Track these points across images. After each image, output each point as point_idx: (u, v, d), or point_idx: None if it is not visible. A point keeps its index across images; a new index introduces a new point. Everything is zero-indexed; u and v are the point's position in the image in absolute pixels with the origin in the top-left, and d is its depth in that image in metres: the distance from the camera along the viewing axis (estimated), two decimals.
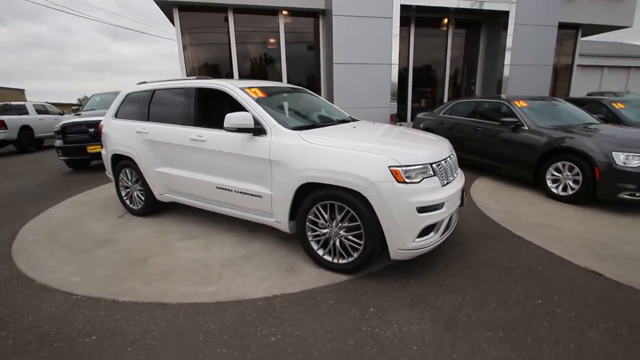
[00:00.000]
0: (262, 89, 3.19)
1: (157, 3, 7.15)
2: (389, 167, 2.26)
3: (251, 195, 2.87)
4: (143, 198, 3.83)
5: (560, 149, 4.23)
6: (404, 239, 2.29)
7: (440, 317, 2.05)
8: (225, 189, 3.02)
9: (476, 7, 8.30)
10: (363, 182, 2.27)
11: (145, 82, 3.93)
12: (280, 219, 2.78)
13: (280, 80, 8.41)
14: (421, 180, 2.30)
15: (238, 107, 2.95)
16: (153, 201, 3.77)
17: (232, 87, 3.05)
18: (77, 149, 6.34)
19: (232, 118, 2.70)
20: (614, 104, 5.85)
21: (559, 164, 4.24)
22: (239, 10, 7.73)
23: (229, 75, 8.07)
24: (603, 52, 19.75)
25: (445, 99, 9.66)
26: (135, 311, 2.16)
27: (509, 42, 8.71)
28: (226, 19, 7.75)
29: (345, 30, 7.55)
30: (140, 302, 2.26)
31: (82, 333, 1.96)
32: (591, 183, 3.86)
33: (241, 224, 3.56)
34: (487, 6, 8.37)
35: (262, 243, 3.14)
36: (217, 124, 3.08)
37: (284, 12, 8.02)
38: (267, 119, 2.78)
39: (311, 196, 2.54)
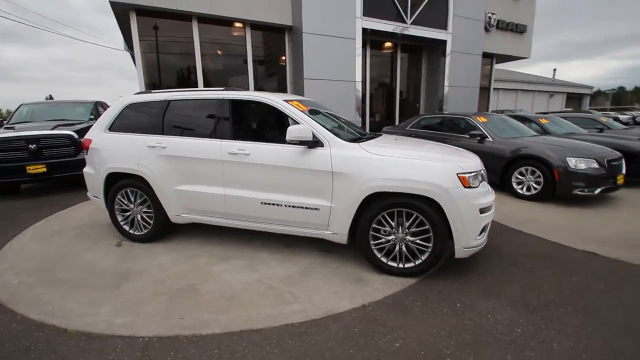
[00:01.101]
0: (300, 102, 3.19)
1: (111, 4, 6.41)
2: (457, 174, 2.51)
3: (306, 208, 2.82)
4: (151, 221, 3.38)
5: (522, 156, 5.09)
6: (469, 238, 2.55)
7: (517, 303, 2.33)
8: (274, 204, 2.91)
9: (419, 34, 9.42)
10: (436, 189, 2.47)
11: (145, 92, 3.55)
12: (338, 230, 2.80)
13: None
14: (478, 185, 2.61)
15: (280, 119, 2.91)
16: (165, 224, 3.37)
17: (277, 100, 2.99)
18: (13, 170, 5.21)
19: (294, 131, 2.66)
20: (540, 120, 7.24)
21: (522, 169, 5.10)
22: (203, 19, 7.39)
23: (194, 86, 7.58)
24: (498, 77, 24.01)
25: (397, 115, 10.61)
26: (232, 342, 1.95)
27: (447, 67, 10.07)
28: (190, 28, 7.33)
29: (314, 48, 7.81)
30: (230, 332, 2.05)
31: None
32: (551, 183, 4.74)
33: (274, 239, 3.41)
34: (429, 35, 9.57)
35: (306, 257, 3.08)
36: (259, 137, 2.96)
37: (251, 25, 7.93)
38: (323, 132, 2.80)
39: (376, 205, 2.64)
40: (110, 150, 3.39)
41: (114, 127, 3.47)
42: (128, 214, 3.46)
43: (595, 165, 4.59)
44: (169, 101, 3.31)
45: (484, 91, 12.77)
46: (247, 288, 2.56)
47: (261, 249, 3.26)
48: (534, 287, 2.53)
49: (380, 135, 3.73)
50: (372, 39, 9.52)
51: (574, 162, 4.60)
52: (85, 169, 3.68)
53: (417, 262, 2.66)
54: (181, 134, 3.22)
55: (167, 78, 7.55)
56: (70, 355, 1.87)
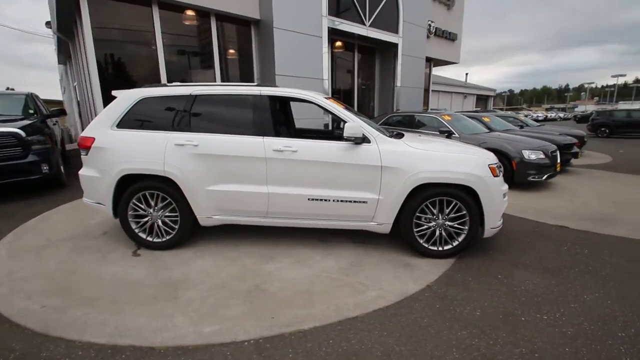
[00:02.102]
0: (335, 99, 3.29)
1: None
2: (488, 165, 2.93)
3: (354, 202, 2.97)
4: (176, 226, 3.13)
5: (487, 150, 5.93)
6: (495, 219, 3.00)
7: (539, 270, 2.84)
8: (321, 200, 2.97)
9: (376, 37, 10.05)
10: (473, 178, 2.85)
11: (158, 85, 3.24)
12: (384, 221, 3.01)
13: None
14: (499, 174, 3.08)
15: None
16: (192, 227, 3.15)
17: (319, 97, 3.04)
18: None
19: (350, 128, 2.79)
20: (483, 118, 8.42)
21: None
22: (165, 6, 6.75)
23: (155, 80, 6.89)
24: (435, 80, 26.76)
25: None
26: (340, 331, 2.03)
27: (399, 68, 10.93)
28: (150, 15, 6.63)
29: (285, 44, 7.76)
30: (330, 323, 2.11)
31: None
32: (510, 172, 5.64)
33: (303, 235, 3.46)
34: (384, 37, 10.26)
35: (346, 249, 3.22)
36: (302, 133, 2.97)
37: (216, 16, 7.51)
38: (368, 129, 2.97)
39: (420, 195, 2.92)
40: (123, 150, 3.02)
41: (124, 124, 3.09)
42: (145, 219, 3.14)
43: (542, 156, 5.62)
44: (196, 96, 3.09)
45: (424, 92, 14.15)
46: (314, 282, 2.62)
47: (296, 245, 3.29)
48: (542, 256, 3.11)
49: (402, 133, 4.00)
50: (333, 38, 9.81)
51: (527, 154, 5.56)
52: (83, 172, 3.20)
53: (455, 243, 3.02)
54: (214, 131, 3.04)
55: (124, 70, 6.74)
56: None
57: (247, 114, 3.05)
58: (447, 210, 2.96)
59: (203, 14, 7.39)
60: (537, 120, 14.77)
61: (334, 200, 2.98)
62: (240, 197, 3.03)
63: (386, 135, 3.05)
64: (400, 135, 3.29)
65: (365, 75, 11.51)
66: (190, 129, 3.04)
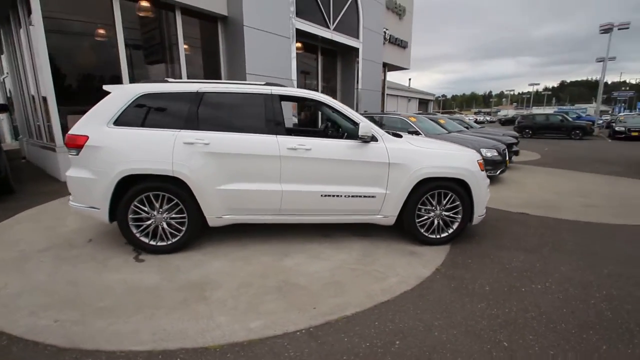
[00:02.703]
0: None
1: None
2: (477, 160, 3.33)
3: (364, 197, 3.15)
4: (183, 227, 3.01)
5: None
6: (482, 208, 3.42)
7: (520, 250, 3.30)
8: (334, 195, 3.11)
9: (340, 40, 10.41)
10: (467, 172, 3.23)
11: (158, 81, 3.08)
12: (389, 214, 3.25)
13: None
14: (484, 169, 3.51)
15: (331, 117, 3.12)
16: (199, 229, 3.06)
17: (329, 98, 3.16)
18: None
19: (364, 127, 2.97)
20: (439, 120, 9.23)
21: None
22: None
23: (116, 78, 6.34)
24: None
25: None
26: (381, 314, 2.19)
27: (360, 72, 11.43)
28: (110, 6, 6.08)
29: (255, 43, 7.68)
30: (368, 308, 2.26)
31: (393, 343, 1.89)
32: None
33: (304, 231, 3.56)
34: (347, 42, 10.66)
35: (353, 242, 3.39)
36: (313, 132, 3.08)
37: (181, 10, 7.15)
38: (376, 128, 3.17)
39: (422, 189, 3.21)
40: (123, 149, 2.83)
41: (121, 121, 2.89)
42: (148, 223, 2.96)
43: (496, 153, 6.40)
44: (203, 93, 3.00)
45: (381, 95, 14.95)
46: (336, 274, 2.74)
47: (304, 241, 3.37)
48: (517, 238, 3.61)
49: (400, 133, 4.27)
50: (298, 39, 9.92)
51: (485, 152, 6.28)
52: (73, 173, 2.92)
53: (450, 231, 3.37)
54: (223, 130, 2.99)
55: (80, 65, 6.10)
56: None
57: (258, 113, 3.06)
58: (444, 202, 3.30)
59: (167, 6, 7.00)
60: (478, 123, 16.49)
61: (345, 196, 3.13)
62: (253, 195, 3.02)
63: (390, 135, 3.30)
64: (398, 135, 3.56)
65: (328, 77, 11.81)
66: (198, 127, 2.95)
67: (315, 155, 3.03)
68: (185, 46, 7.38)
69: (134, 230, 2.96)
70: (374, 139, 3.14)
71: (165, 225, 3.00)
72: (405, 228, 3.33)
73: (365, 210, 3.23)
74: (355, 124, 3.16)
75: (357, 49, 11.21)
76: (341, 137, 3.38)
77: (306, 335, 1.98)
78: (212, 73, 8.13)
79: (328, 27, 9.86)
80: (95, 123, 2.88)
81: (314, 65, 11.06)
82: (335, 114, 3.31)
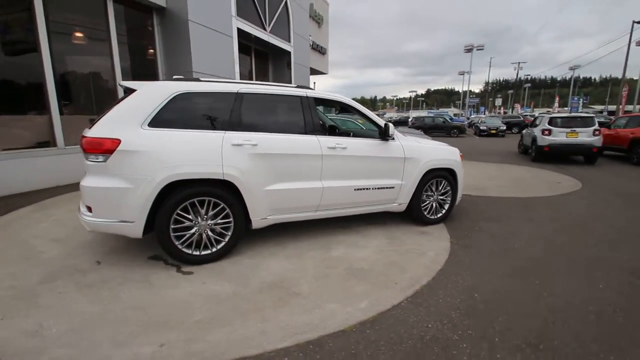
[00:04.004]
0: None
1: None
2: (459, 154, 4.16)
3: (386, 188, 3.60)
4: (228, 233, 2.89)
5: None
6: (461, 190, 4.28)
7: (494, 222, 4.28)
8: (364, 189, 3.45)
9: (275, 43, 10.54)
10: (455, 163, 4.01)
11: (189, 79, 2.86)
12: (402, 201, 3.78)
13: (114, 85, 6.40)
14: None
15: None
16: (243, 234, 2.99)
17: (355, 102, 3.48)
18: None
19: (390, 128, 3.39)
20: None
21: None
22: None
23: (36, 67, 5.11)
24: None
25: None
26: (445, 279, 2.67)
27: (293, 75, 11.76)
28: None
29: (201, 40, 7.20)
30: (432, 276, 2.71)
31: (472, 295, 2.36)
32: None
33: (323, 225, 3.79)
34: (281, 45, 10.85)
35: (370, 230, 3.79)
36: (342, 132, 3.34)
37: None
38: (392, 129, 3.64)
39: (425, 178, 3.85)
40: (166, 152, 2.57)
41: (157, 122, 2.61)
42: (192, 231, 2.75)
43: None
44: (243, 94, 2.94)
45: None
46: (384, 256, 3.10)
47: (332, 234, 3.61)
48: (481, 212, 4.61)
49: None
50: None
51: None
52: (95, 183, 2.49)
53: (443, 212, 4.09)
54: (266, 130, 2.99)
55: None
56: (372, 348, 1.99)
57: (297, 114, 3.17)
58: (440, 188, 4.01)
59: None
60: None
61: (372, 188, 3.52)
62: (297, 194, 3.12)
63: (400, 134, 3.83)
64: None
65: (260, 79, 11.74)
66: (242, 128, 2.89)
67: (350, 153, 3.32)
68: (120, 39, 6.43)
69: (176, 242, 2.70)
70: (391, 137, 3.61)
71: (209, 233, 2.83)
72: (414, 212, 3.91)
73: (386, 200, 3.68)
74: (377, 125, 3.57)
75: (288, 53, 11.51)
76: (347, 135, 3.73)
77: (411, 304, 2.32)
78: (145, 69, 7.27)
79: (265, 29, 9.88)
80: (127, 124, 2.52)
81: (248, 67, 10.88)
82: (361, 116, 3.65)
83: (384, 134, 3.50)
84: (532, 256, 3.17)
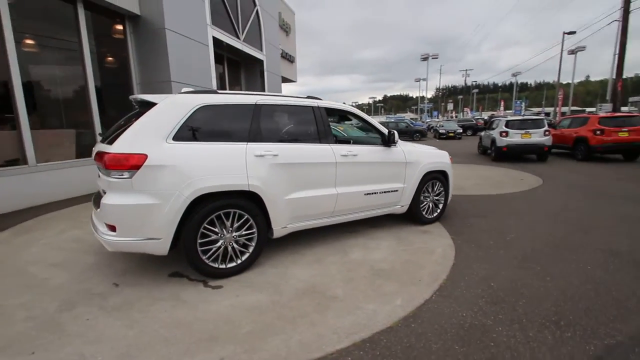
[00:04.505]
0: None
1: None
2: (449, 157, 4.51)
3: (391, 191, 3.81)
4: (252, 243, 2.90)
5: None
6: (451, 192, 4.64)
7: (481, 218, 4.67)
8: (373, 193, 3.63)
9: (248, 51, 10.50)
10: (447, 165, 4.35)
11: (206, 91, 2.86)
12: (404, 203, 4.03)
13: (88, 98, 6.01)
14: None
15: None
16: (265, 244, 3.01)
17: (362, 112, 3.65)
18: None
19: (395, 135, 3.62)
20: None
21: None
22: None
23: (7, 88, 4.67)
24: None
25: None
26: (459, 274, 2.91)
27: (266, 83, 11.76)
28: None
29: (178, 48, 7.01)
30: (449, 271, 2.95)
31: (489, 284, 2.61)
32: None
33: (334, 230, 3.92)
34: (253, 53, 10.83)
35: (377, 233, 3.98)
36: (342, 140, 3.51)
37: (84, 3, 5.84)
38: (396, 135, 3.86)
39: (423, 180, 4.13)
40: (193, 166, 2.55)
41: (181, 136, 2.58)
42: (218, 245, 2.73)
43: None
44: (261, 105, 2.98)
45: None
46: (399, 256, 3.28)
47: (345, 239, 3.74)
48: (468, 210, 5.01)
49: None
50: None
51: None
52: (121, 200, 2.39)
53: (438, 211, 4.40)
54: (283, 141, 3.06)
55: None
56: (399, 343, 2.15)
57: (311, 124, 3.27)
58: (435, 189, 4.32)
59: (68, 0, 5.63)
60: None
61: (380, 192, 3.71)
62: (314, 201, 3.21)
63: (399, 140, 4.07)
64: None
65: (232, 88, 11.59)
66: (261, 140, 2.93)
67: (360, 159, 3.49)
68: (92, 48, 6.07)
69: (203, 257, 2.67)
70: (395, 144, 3.84)
71: (234, 245, 2.82)
72: (414, 213, 4.16)
73: (391, 203, 3.89)
74: (381, 132, 3.78)
75: (261, 61, 11.51)
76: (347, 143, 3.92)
77: (440, 297, 2.51)
78: (118, 79, 6.92)
79: (238, 38, 9.82)
80: (151, 139, 2.46)
81: (220, 75, 10.70)
82: (366, 124, 3.84)
83: (388, 141, 3.72)
84: (525, 246, 3.54)
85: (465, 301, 2.46)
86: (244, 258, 2.88)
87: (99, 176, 2.83)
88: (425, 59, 27.26)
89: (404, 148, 3.94)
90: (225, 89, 10.73)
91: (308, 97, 3.45)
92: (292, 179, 3.04)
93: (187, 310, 2.34)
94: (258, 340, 2.03)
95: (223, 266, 2.78)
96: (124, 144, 2.41)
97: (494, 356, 1.88)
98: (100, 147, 2.62)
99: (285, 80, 16.26)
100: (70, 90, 6.19)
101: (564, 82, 28.75)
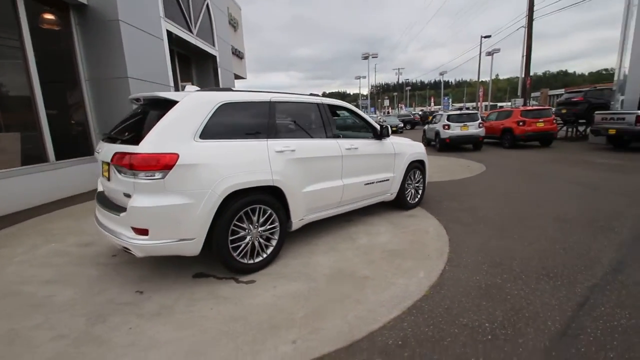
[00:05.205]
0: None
1: None
2: (424, 148, 5.02)
3: (384, 181, 4.15)
4: (275, 237, 2.97)
5: None
6: (427, 179, 5.18)
7: (453, 201, 5.28)
8: (371, 183, 3.93)
9: (201, 46, 10.03)
10: (423, 156, 4.84)
11: (224, 89, 2.84)
12: (393, 191, 4.41)
13: (32, 94, 5.25)
14: None
15: (355, 121, 3.92)
16: (285, 237, 3.11)
17: (357, 109, 3.90)
18: None
19: (388, 130, 3.94)
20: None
21: None
22: None
23: None
24: None
25: None
26: (460, 248, 3.36)
27: (220, 80, 11.34)
28: None
29: (134, 42, 6.46)
30: (448, 248, 3.37)
31: (495, 266, 3.07)
32: None
33: (334, 222, 4.14)
34: (206, 48, 10.37)
35: (371, 219, 4.30)
36: (351, 134, 3.75)
37: None
38: (389, 130, 4.19)
39: (407, 170, 4.56)
40: (222, 163, 2.54)
41: (206, 134, 2.55)
42: (246, 241, 2.76)
43: None
44: (275, 102, 3.04)
45: None
46: (403, 238, 3.63)
47: (343, 228, 3.98)
48: (439, 195, 5.61)
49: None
50: None
51: None
52: (152, 202, 2.30)
53: (418, 197, 4.89)
54: (295, 136, 3.17)
55: None
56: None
57: (318, 120, 3.42)
58: (416, 176, 4.79)
59: None
60: None
61: (376, 182, 4.02)
62: (325, 193, 3.39)
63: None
64: None
65: (184, 84, 10.95)
66: (278, 136, 3.01)
67: (360, 152, 3.75)
68: (35, 41, 5.32)
69: (234, 253, 2.68)
70: (387, 137, 4.17)
71: (259, 242, 2.87)
72: (401, 199, 4.57)
73: (383, 192, 4.23)
74: (373, 127, 4.07)
75: (213, 57, 11.08)
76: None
77: (452, 267, 2.90)
78: (67, 74, 6.17)
79: (192, 32, 9.33)
80: (179, 138, 2.39)
81: (173, 73, 10.04)
82: (360, 119, 4.08)
83: (380, 135, 4.05)
84: (497, 220, 4.17)
85: (473, 268, 2.89)
86: (268, 252, 2.94)
87: (108, 179, 2.64)
88: (366, 57, 28.83)
89: (392, 141, 4.31)
90: (178, 86, 10.14)
91: (311, 95, 3.59)
92: (307, 172, 3.17)
93: (232, 306, 2.37)
94: (317, 322, 2.17)
95: (251, 261, 2.82)
96: (152, 144, 2.32)
97: (514, 305, 2.30)
98: (117, 147, 2.46)
99: (236, 77, 15.81)
100: (10, 88, 5.36)
101: (480, 80, 32.88)
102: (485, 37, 29.40)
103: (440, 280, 2.69)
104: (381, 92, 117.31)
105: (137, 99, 2.89)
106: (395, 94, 77.44)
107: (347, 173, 3.62)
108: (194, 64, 11.24)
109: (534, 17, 19.16)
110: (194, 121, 2.51)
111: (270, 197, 2.88)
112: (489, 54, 29.19)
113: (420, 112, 36.76)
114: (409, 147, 4.56)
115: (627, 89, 10.90)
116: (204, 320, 2.21)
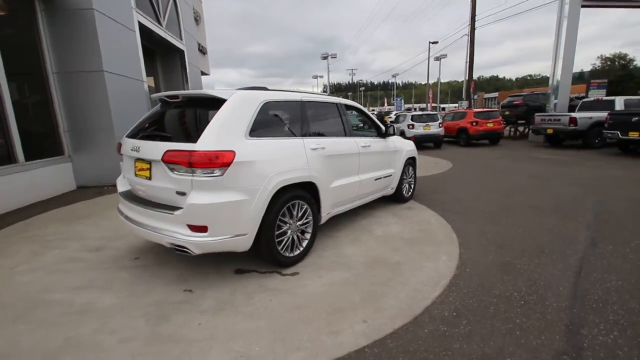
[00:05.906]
0: None
1: None
2: (414, 145, 5.47)
3: (388, 176, 4.48)
4: (310, 230, 3.12)
5: None
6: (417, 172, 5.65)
7: (444, 194, 5.80)
8: (379, 178, 4.23)
9: (170, 40, 9.53)
10: (415, 153, 5.28)
11: (259, 88, 2.91)
12: (394, 186, 4.78)
13: None
14: None
15: (362, 120, 4.19)
16: (317, 230, 3.27)
17: (365, 108, 4.14)
18: None
19: (393, 129, 4.25)
20: None
21: None
22: None
23: None
24: None
25: None
26: (467, 234, 3.80)
27: (188, 76, 10.86)
28: None
29: (109, 34, 6.00)
30: (453, 235, 3.80)
31: (499, 247, 3.53)
32: None
33: (345, 217, 4.38)
34: (175, 42, 9.87)
35: (378, 211, 4.62)
36: (359, 133, 4.03)
37: None
38: (394, 129, 4.51)
39: (403, 165, 4.96)
40: (271, 160, 2.63)
41: (254, 131, 2.62)
42: (288, 235, 2.87)
43: None
44: (305, 102, 3.18)
45: None
46: (413, 228, 3.99)
47: (357, 221, 4.24)
48: (426, 187, 6.12)
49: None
50: None
51: None
52: (213, 199, 2.33)
53: (412, 190, 5.33)
54: (322, 134, 3.33)
55: None
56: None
57: (338, 119, 3.62)
58: (409, 172, 5.21)
59: None
60: None
61: (383, 177, 4.33)
62: (347, 188, 3.61)
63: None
64: None
65: (152, 80, 10.30)
66: (310, 134, 3.15)
67: (372, 150, 4.02)
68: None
69: (278, 247, 2.79)
70: (391, 135, 4.50)
71: (297, 235, 3.00)
72: (399, 194, 4.95)
73: (386, 186, 4.57)
74: (378, 126, 4.37)
75: (181, 52, 10.58)
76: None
77: (465, 250, 3.30)
78: (33, 68, 5.55)
79: (161, 25, 8.84)
80: (234, 135, 2.44)
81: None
82: (367, 119, 4.34)
83: (385, 133, 4.36)
84: (483, 209, 4.73)
85: (483, 250, 3.32)
86: (304, 245, 3.09)
87: (149, 177, 2.58)
88: (325, 57, 29.47)
89: (393, 138, 4.66)
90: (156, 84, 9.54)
91: (325, 94, 3.78)
92: (333, 169, 3.36)
93: (290, 296, 2.49)
94: (375, 303, 2.39)
95: (292, 254, 2.94)
96: (211, 142, 2.33)
97: (529, 277, 2.75)
98: (168, 145, 2.41)
99: (200, 73, 15.18)
100: None
101: (424, 83, 35.54)
102: (433, 42, 31.72)
103: (462, 262, 3.07)
104: (334, 92, 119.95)
105: (170, 97, 2.83)
106: (350, 93, 79.75)
107: (362, 169, 3.87)
108: (158, 59, 10.63)
109: (475, 27, 21.22)
110: (244, 119, 2.57)
111: (306, 192, 3.02)
112: (437, 59, 31.57)
113: (375, 112, 38.41)
114: (405, 145, 4.96)
115: (559, 93, 12.65)
116: (271, 311, 2.30)
